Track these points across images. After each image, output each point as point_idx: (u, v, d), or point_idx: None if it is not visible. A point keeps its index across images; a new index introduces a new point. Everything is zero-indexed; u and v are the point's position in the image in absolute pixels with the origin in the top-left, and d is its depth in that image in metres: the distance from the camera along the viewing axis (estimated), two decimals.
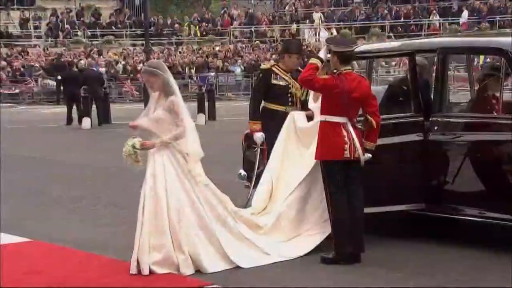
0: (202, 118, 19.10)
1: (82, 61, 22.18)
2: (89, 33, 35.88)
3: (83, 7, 37.96)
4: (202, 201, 5.75)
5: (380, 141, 6.02)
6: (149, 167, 5.68)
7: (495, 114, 6.45)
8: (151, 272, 5.53)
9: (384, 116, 6.35)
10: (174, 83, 5.87)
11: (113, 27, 36.51)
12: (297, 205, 6.22)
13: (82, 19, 37.10)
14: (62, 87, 21.37)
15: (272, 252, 5.94)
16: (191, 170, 5.72)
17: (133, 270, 5.57)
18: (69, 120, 19.78)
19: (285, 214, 6.19)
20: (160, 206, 5.60)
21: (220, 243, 5.73)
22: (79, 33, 35.86)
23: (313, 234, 6.13)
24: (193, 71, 31.10)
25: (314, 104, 6.38)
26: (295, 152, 6.43)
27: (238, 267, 5.70)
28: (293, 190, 6.22)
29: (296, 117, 6.57)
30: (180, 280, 5.48)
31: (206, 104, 20.12)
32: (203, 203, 5.75)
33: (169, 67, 31.14)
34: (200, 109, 19.43)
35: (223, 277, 5.53)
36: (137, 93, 27.82)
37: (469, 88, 7.90)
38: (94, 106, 19.50)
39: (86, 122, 18.96)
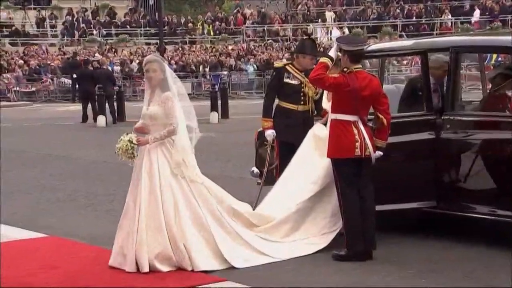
0: (215, 116, 19.19)
1: (97, 54, 22.19)
2: (104, 32, 36.10)
3: (98, 6, 38.22)
4: (197, 198, 5.75)
5: (392, 139, 6.06)
6: (144, 164, 5.69)
7: (507, 112, 6.46)
8: (151, 268, 5.51)
9: (396, 115, 6.40)
10: (171, 82, 5.84)
11: (128, 26, 36.72)
12: (302, 215, 6.24)
13: (97, 18, 37.40)
14: (77, 85, 21.51)
15: (267, 251, 5.92)
16: (178, 164, 5.68)
17: (131, 267, 5.54)
18: (84, 118, 19.93)
19: (288, 219, 6.21)
20: (156, 203, 5.61)
21: (215, 239, 5.71)
22: (94, 32, 36.10)
23: (309, 244, 6.12)
24: (206, 69, 31.17)
25: (329, 103, 6.43)
26: (310, 162, 6.40)
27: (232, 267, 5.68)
28: (303, 200, 6.24)
29: (316, 131, 6.58)
30: (194, 276, 5.50)
31: (219, 102, 20.20)
32: (198, 200, 5.75)
33: (183, 66, 31.12)
34: (213, 108, 19.51)
35: (237, 273, 5.56)
36: None
37: (481, 87, 7.91)
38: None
39: (101, 120, 19.10)
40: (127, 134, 5.77)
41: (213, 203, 5.84)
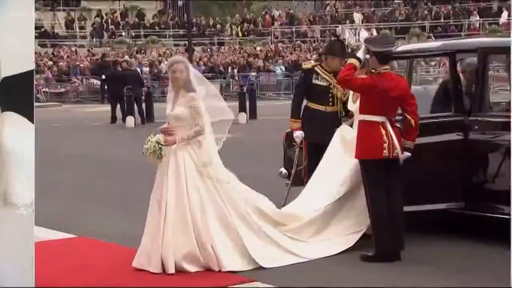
0: (243, 117, 19.29)
1: (126, 56, 22.28)
2: (133, 34, 36.37)
3: (127, 8, 38.51)
4: (223, 197, 5.75)
5: (421, 140, 6.06)
6: (170, 164, 5.70)
7: None
8: (178, 269, 5.52)
9: (425, 115, 6.39)
10: (195, 83, 5.87)
11: (156, 28, 36.94)
12: (327, 217, 6.26)
13: (126, 19, 37.65)
14: (106, 86, 21.69)
15: (295, 250, 5.92)
16: (205, 165, 5.71)
17: (157, 269, 5.55)
18: (114, 118, 20.11)
19: (315, 220, 6.22)
20: (183, 203, 5.61)
21: (242, 239, 5.70)
22: (123, 33, 36.39)
23: (335, 244, 6.13)
24: (235, 70, 31.28)
25: (354, 105, 6.45)
26: (338, 163, 6.40)
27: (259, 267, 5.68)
28: (331, 202, 6.26)
29: (342, 132, 6.59)
30: (221, 276, 5.52)
31: (247, 103, 20.28)
32: (224, 200, 5.75)
33: (211, 67, 31.07)
34: (241, 108, 19.62)
35: (264, 273, 5.58)
36: None
37: (509, 88, 7.84)
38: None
39: (130, 120, 19.27)
40: (154, 134, 5.79)
41: (239, 203, 5.84)
